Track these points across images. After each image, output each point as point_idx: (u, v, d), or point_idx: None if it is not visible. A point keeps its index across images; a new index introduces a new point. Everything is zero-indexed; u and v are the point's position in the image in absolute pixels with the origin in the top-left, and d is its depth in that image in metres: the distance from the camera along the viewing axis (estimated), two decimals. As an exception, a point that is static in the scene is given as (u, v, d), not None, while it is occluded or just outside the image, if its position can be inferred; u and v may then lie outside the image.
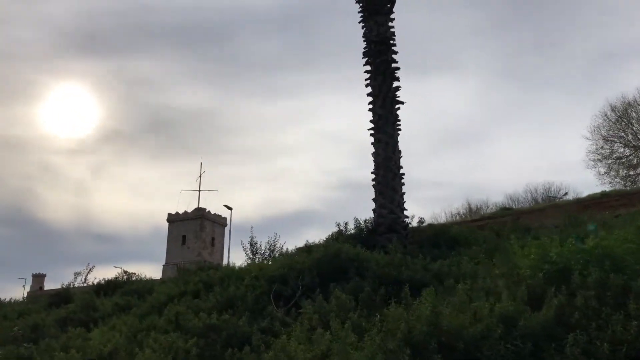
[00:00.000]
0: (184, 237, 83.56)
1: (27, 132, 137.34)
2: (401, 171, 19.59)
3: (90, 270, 28.74)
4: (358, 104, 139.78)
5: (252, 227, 24.65)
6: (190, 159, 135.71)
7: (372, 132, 20.23)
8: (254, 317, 12.72)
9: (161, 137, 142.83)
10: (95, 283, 29.33)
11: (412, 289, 12.03)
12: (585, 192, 37.66)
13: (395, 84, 20.68)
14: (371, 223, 18.97)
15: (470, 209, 61.50)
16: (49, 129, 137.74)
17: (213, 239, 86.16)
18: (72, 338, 16.49)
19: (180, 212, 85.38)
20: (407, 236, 18.48)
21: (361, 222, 19.04)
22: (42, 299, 39.90)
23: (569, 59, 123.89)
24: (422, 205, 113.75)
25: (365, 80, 21.22)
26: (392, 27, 21.46)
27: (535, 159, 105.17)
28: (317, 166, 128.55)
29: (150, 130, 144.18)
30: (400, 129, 19.96)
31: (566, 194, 55.13)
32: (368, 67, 21.25)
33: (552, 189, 59.50)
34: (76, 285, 30.98)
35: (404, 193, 19.43)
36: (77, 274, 30.52)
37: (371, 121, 20.41)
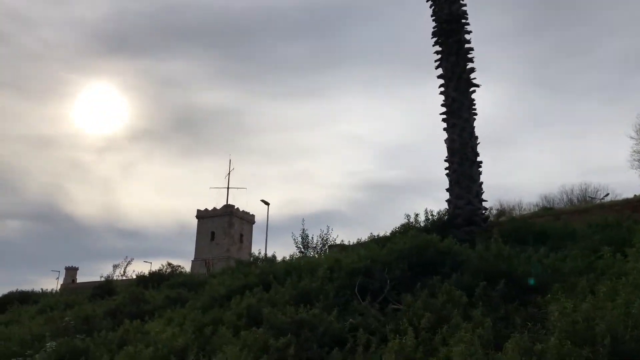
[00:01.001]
0: (212, 233, 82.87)
1: (58, 130, 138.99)
2: (478, 159, 17.77)
3: (129, 263, 27.55)
4: (380, 107, 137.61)
5: (303, 220, 23.24)
6: (215, 157, 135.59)
7: (444, 117, 18.45)
8: (340, 312, 11.12)
9: (187, 135, 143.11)
10: (138, 275, 28.12)
11: (528, 286, 10.38)
12: (624, 194, 35.69)
13: (469, 65, 18.88)
14: (445, 215, 17.22)
15: (502, 209, 59.25)
16: (79, 127, 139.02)
17: (242, 235, 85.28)
18: (129, 331, 15.11)
19: (210, 208, 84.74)
20: (487, 229, 16.66)
21: (434, 213, 17.32)
22: (79, 291, 39.11)
23: (600, 64, 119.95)
24: (443, 205, 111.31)
25: (435, 61, 19.49)
26: (464, 4, 19.70)
27: (566, 163, 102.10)
28: (340, 168, 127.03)
29: (177, 129, 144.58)
30: (476, 113, 18.15)
31: (608, 194, 52.60)
32: (438, 48, 19.52)
33: (590, 190, 56.98)
34: (115, 277, 29.75)
35: (482, 182, 17.58)
36: (115, 267, 29.29)
37: (443, 105, 18.64)
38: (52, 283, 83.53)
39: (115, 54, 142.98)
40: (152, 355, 10.87)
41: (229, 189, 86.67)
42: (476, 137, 17.85)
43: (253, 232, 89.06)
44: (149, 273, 26.88)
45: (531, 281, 10.25)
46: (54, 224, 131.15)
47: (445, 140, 18.09)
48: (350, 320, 10.64)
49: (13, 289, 36.99)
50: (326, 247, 22.58)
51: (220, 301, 15.34)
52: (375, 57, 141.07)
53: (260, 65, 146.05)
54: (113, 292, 27.03)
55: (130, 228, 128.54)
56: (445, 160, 17.88)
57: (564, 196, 55.77)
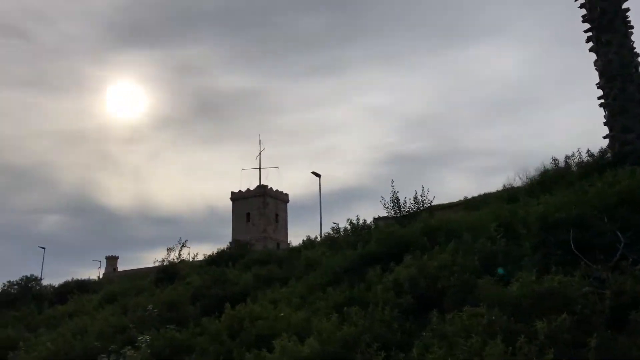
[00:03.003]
0: (248, 214, 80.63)
1: (85, 124, 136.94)
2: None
3: (184, 245, 24.66)
4: (402, 78, 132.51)
5: (392, 181, 19.86)
6: (239, 140, 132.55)
7: (590, 33, 14.74)
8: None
9: (211, 120, 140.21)
10: (206, 256, 25.18)
11: None
12: None
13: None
14: (607, 153, 13.72)
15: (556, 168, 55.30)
16: (105, 119, 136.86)
17: (277, 215, 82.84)
18: (237, 317, 12.02)
19: (243, 190, 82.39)
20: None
21: (591, 152, 13.81)
22: (127, 277, 36.56)
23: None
24: (472, 175, 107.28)
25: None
26: None
27: (595, 123, 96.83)
28: (364, 142, 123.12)
29: (200, 114, 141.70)
30: (632, 26, 14.43)
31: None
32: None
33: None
34: (170, 260, 26.92)
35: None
36: (169, 250, 26.47)
37: (586, 20, 14.89)
38: (93, 273, 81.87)
39: (134, 44, 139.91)
40: (320, 351, 7.70)
41: (261, 169, 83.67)
42: (637, 54, 14.14)
43: (287, 211, 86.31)
44: (218, 251, 23.93)
45: None
46: (89, 215, 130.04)
47: (595, 63, 14.45)
48: (587, 288, 7.37)
49: (61, 280, 34.78)
50: (421, 208, 19.32)
51: (347, 275, 12.20)
52: (394, 27, 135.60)
53: (278, 44, 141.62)
54: (176, 275, 24.19)
55: (163, 215, 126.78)
56: (599, 88, 14.25)
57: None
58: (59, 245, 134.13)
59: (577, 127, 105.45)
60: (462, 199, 25.78)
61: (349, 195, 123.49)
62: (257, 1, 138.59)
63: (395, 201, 19.91)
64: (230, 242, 27.49)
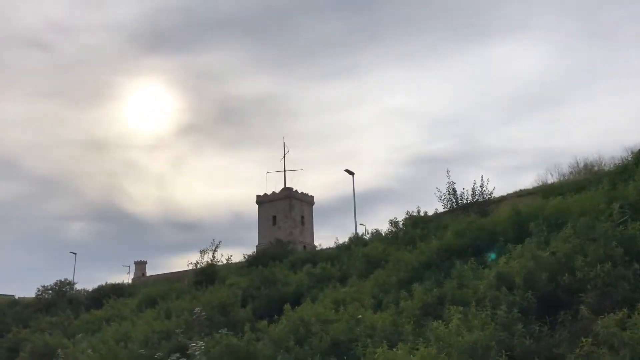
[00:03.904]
0: (274, 217, 79.46)
1: (109, 132, 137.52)
2: None
3: (217, 246, 23.34)
4: (422, 78, 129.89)
5: (447, 170, 18.28)
6: (261, 145, 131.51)
7: None
8: None
9: (232, 126, 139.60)
10: (245, 256, 23.76)
11: None
12: None
13: None
14: None
15: (586, 166, 52.79)
16: (128, 127, 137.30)
17: (302, 217, 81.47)
18: (304, 321, 10.49)
19: (268, 193, 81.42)
20: None
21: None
22: (159, 281, 35.40)
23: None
24: (496, 174, 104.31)
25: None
26: None
27: (624, 118, 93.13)
28: (386, 143, 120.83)
29: (221, 120, 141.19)
30: None
31: None
32: None
33: None
34: (204, 262, 25.60)
35: None
36: (203, 252, 25.15)
37: None
38: (123, 278, 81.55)
39: (154, 53, 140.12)
40: None
41: (286, 172, 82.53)
42: None
43: (313, 213, 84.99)
44: (261, 251, 22.47)
45: None
46: (114, 222, 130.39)
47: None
48: None
49: (92, 285, 33.80)
50: (484, 199, 17.75)
51: (427, 272, 10.57)
52: (413, 27, 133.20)
53: (297, 47, 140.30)
54: (215, 276, 22.80)
55: (187, 220, 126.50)
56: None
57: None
58: (87, 252, 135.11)
59: (602, 123, 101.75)
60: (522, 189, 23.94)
61: (372, 197, 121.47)
62: (275, 6, 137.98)
63: (452, 192, 18.30)
64: (271, 242, 25.97)
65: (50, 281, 32.82)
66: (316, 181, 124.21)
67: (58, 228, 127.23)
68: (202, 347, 10.94)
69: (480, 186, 17.95)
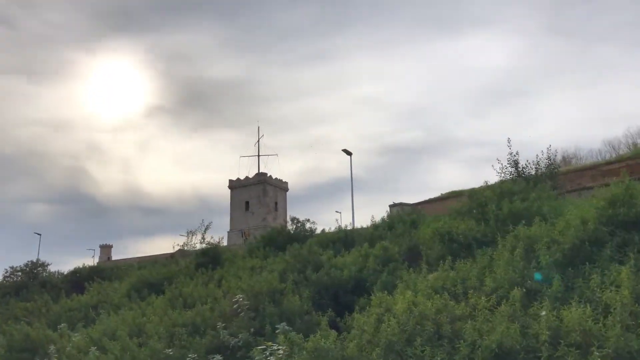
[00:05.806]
0: (247, 202, 76.16)
1: (73, 112, 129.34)
2: None
3: (207, 227, 20.55)
4: (393, 67, 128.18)
5: (509, 139, 15.95)
6: (230, 129, 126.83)
7: None
8: None
9: (201, 109, 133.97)
10: (256, 238, 20.46)
11: None
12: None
13: None
14: None
15: (563, 158, 52.34)
16: (92, 108, 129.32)
17: (276, 203, 78.43)
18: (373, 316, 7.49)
19: (242, 178, 77.83)
20: None
21: None
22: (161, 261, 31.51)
23: (619, 8, 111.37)
24: (464, 166, 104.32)
25: None
26: None
27: (590, 112, 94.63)
28: (356, 132, 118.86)
29: (192, 103, 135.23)
30: None
31: None
32: None
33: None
34: (193, 245, 22.35)
35: None
36: (190, 233, 22.08)
37: None
38: (87, 262, 76.35)
39: (120, 32, 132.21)
40: None
41: (260, 157, 79.19)
42: None
43: (287, 200, 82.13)
44: (274, 231, 19.31)
45: None
46: (78, 205, 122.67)
47: None
48: None
49: (59, 268, 29.63)
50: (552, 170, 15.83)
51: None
52: (386, 17, 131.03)
53: (267, 32, 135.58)
54: (219, 259, 19.50)
55: (153, 205, 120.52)
56: None
57: (629, 140, 48.92)
58: (49, 235, 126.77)
59: (567, 117, 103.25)
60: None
61: (341, 185, 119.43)
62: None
63: (514, 164, 16.05)
64: (284, 221, 22.92)
65: (13, 263, 28.51)
66: (289, 168, 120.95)
67: (18, 210, 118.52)
68: (276, 351, 7.75)
69: (548, 158, 16.11)
